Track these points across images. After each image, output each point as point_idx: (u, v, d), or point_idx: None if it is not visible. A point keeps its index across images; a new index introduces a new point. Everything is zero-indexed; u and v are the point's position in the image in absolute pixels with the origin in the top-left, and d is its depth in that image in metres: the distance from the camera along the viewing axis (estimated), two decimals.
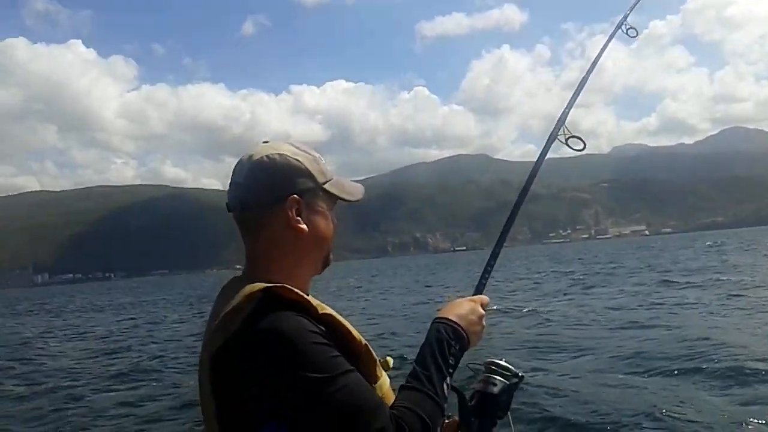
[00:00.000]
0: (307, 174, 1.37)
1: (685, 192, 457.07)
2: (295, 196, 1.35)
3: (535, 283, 29.78)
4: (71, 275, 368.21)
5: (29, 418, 9.30)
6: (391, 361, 1.44)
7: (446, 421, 1.54)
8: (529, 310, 17.18)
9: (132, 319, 28.59)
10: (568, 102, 2.11)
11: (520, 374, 1.63)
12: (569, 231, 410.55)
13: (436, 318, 1.46)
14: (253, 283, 1.27)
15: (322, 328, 1.24)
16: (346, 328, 1.29)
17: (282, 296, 1.24)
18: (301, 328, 1.19)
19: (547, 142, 2.03)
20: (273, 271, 1.34)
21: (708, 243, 69.77)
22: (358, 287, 40.26)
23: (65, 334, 23.00)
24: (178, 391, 10.19)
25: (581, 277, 30.86)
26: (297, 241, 1.36)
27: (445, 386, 1.32)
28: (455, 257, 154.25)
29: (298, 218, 1.35)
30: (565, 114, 2.06)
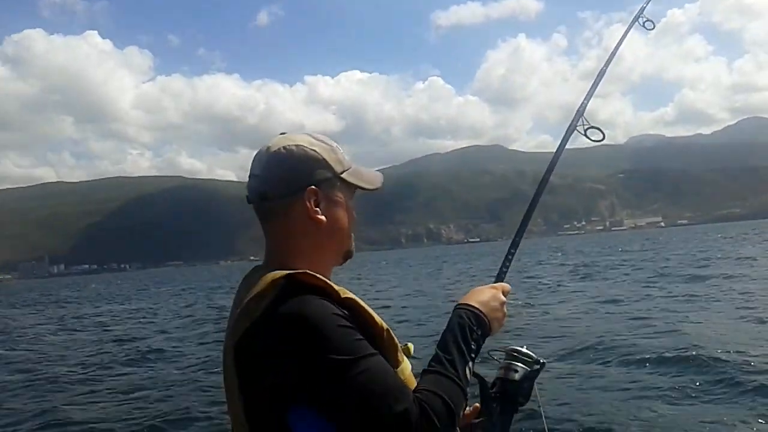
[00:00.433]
0: (324, 164, 1.39)
1: (702, 183, 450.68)
2: (312, 187, 1.37)
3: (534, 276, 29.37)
4: (87, 266, 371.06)
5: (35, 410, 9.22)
6: (412, 347, 1.45)
7: (468, 408, 1.56)
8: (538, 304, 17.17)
9: (149, 308, 28.85)
10: (587, 93, 2.11)
11: (541, 361, 1.64)
12: (584, 223, 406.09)
13: (458, 304, 1.47)
14: (274, 271, 1.28)
15: (345, 312, 1.25)
16: (369, 313, 1.30)
17: (304, 282, 1.26)
18: (324, 312, 1.20)
19: (566, 133, 2.04)
20: (293, 260, 1.35)
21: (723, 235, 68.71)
22: (358, 278, 39.91)
23: (82, 324, 23.24)
24: (199, 383, 10.06)
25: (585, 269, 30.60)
26: (316, 231, 1.38)
27: (467, 371, 1.33)
28: (470, 248, 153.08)
29: (317, 209, 1.37)
30: (584, 105, 2.06)
